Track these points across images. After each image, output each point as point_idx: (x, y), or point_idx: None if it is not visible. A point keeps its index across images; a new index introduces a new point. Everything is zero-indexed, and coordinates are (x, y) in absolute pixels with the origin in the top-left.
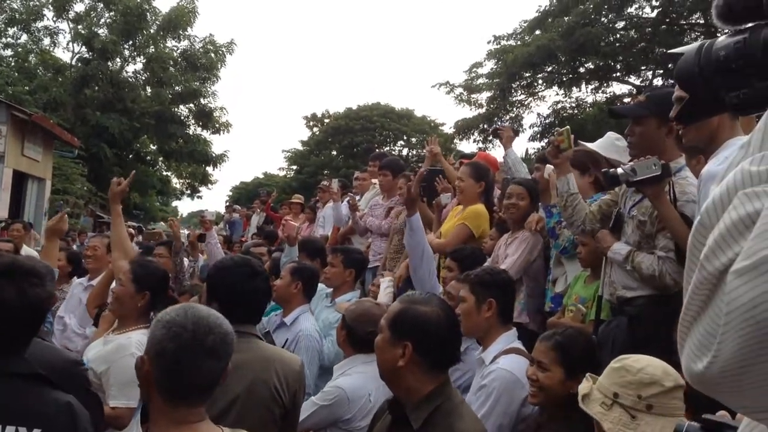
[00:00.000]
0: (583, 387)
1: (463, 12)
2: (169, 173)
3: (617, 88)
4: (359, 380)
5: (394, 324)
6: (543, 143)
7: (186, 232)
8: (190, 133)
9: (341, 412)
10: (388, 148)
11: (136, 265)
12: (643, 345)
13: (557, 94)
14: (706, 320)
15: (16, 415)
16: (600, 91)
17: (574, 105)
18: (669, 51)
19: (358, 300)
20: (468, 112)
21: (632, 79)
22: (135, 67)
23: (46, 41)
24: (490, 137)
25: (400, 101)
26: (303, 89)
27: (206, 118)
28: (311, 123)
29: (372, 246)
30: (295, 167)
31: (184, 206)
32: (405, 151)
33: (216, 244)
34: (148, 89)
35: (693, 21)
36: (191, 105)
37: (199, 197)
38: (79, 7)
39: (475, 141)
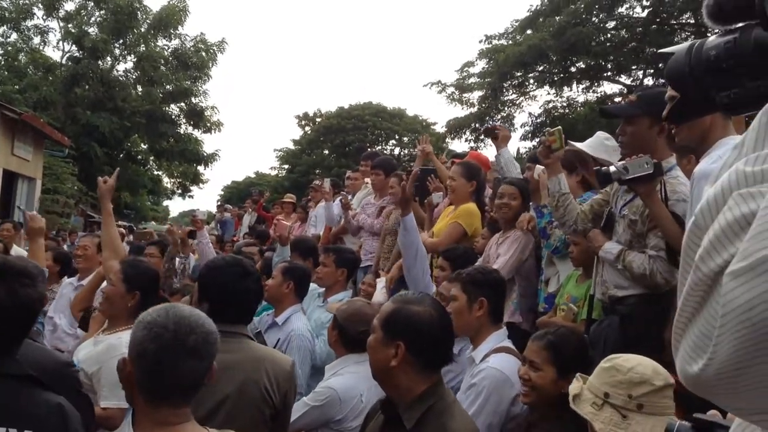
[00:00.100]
0: (574, 387)
1: (454, 11)
2: (160, 172)
3: (608, 88)
4: (351, 380)
5: (387, 324)
6: (534, 143)
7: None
8: (182, 132)
9: (333, 412)
10: (379, 147)
11: (127, 265)
12: (635, 344)
13: (548, 93)
14: (701, 322)
15: (8, 416)
16: (591, 91)
17: (565, 104)
18: (659, 51)
19: (349, 300)
20: (460, 112)
21: (623, 78)
22: (125, 65)
23: (36, 40)
24: (482, 136)
25: (391, 100)
26: (295, 88)
27: (197, 117)
28: (303, 122)
29: (364, 245)
30: (286, 166)
31: (176, 206)
32: (397, 151)
33: (207, 243)
34: (139, 88)
35: (683, 21)
36: (182, 104)
37: (191, 197)
38: (69, 6)
39: (466, 140)
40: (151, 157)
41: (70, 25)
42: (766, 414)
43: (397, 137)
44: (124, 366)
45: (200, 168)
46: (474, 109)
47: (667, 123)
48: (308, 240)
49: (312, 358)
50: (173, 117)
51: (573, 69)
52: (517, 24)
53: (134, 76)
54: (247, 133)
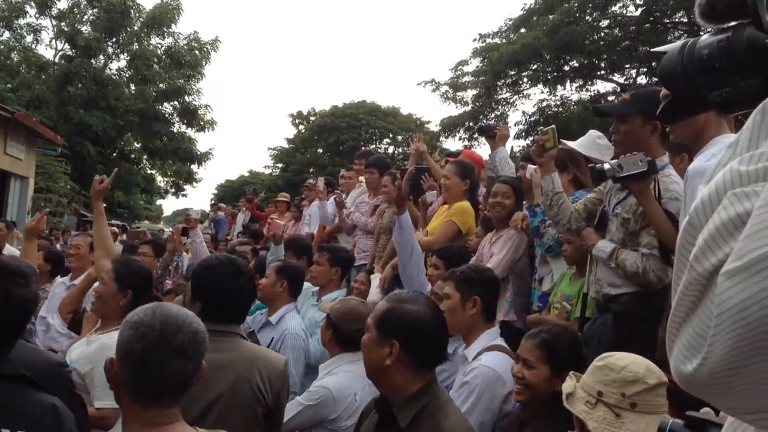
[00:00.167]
0: (567, 386)
1: (448, 10)
2: (153, 171)
3: (601, 87)
4: (345, 379)
5: (382, 323)
6: (528, 141)
7: (169, 230)
8: (175, 131)
9: (327, 411)
10: (374, 146)
11: (119, 264)
12: (628, 342)
13: (542, 92)
14: (695, 321)
15: (1, 416)
16: (584, 90)
17: (558, 103)
18: (652, 49)
19: (343, 298)
20: (454, 110)
21: (616, 77)
22: (119, 64)
23: (29, 38)
24: (476, 135)
25: (386, 99)
26: (289, 87)
27: (191, 115)
28: (297, 121)
29: (357, 244)
30: (280, 165)
31: (169, 205)
32: (391, 149)
33: (201, 242)
34: (132, 87)
35: (677, 20)
36: (175, 102)
37: (184, 196)
38: (62, 4)
39: (460, 139)
40: (145, 156)
41: (62, 24)
42: (760, 413)
43: (391, 136)
44: (111, 366)
45: (194, 167)
46: (468, 108)
47: (660, 122)
48: (302, 239)
49: (306, 357)
50: (166, 116)
51: (566, 68)
52: (510, 23)
53: (127, 75)
54: (240, 131)
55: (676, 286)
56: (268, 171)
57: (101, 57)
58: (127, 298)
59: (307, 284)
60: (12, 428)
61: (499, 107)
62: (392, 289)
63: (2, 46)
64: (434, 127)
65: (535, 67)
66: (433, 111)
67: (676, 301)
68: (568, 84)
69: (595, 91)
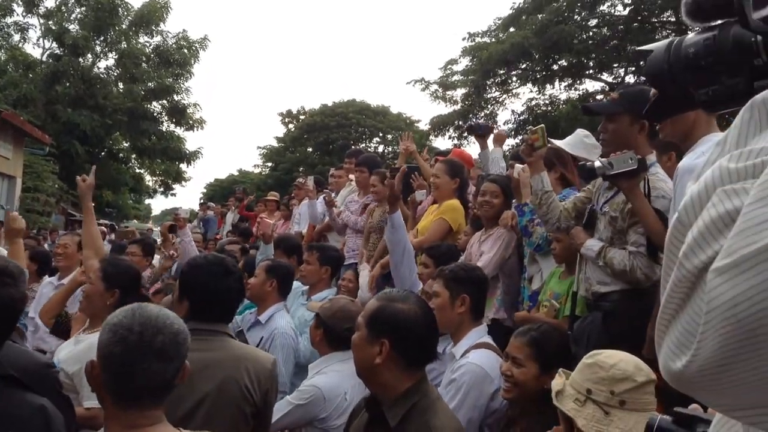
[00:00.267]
0: (557, 383)
1: (438, 9)
2: (142, 170)
3: (590, 86)
4: (335, 379)
5: (372, 321)
6: (517, 140)
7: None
8: (164, 129)
9: (317, 411)
10: (363, 144)
11: (107, 263)
12: (618, 340)
13: (531, 91)
14: (685, 318)
15: None
16: (573, 89)
17: (547, 102)
18: (639, 48)
19: (332, 297)
20: (443, 109)
21: (605, 76)
22: (107, 63)
23: (16, 37)
24: (465, 134)
25: (375, 98)
26: (278, 85)
27: (180, 114)
28: (286, 119)
29: (347, 243)
30: (270, 164)
31: (158, 204)
32: (381, 148)
33: (190, 242)
34: (120, 85)
35: (664, 19)
36: (164, 101)
37: (173, 195)
38: (49, 3)
39: (450, 138)
40: (133, 155)
41: (50, 22)
42: (748, 410)
43: (381, 135)
44: (92, 369)
45: (183, 166)
46: (457, 107)
47: (647, 120)
48: (292, 238)
49: (295, 356)
50: (155, 114)
51: (555, 67)
52: (500, 22)
53: (115, 74)
54: (230, 130)
55: (665, 284)
56: (257, 170)
57: (89, 56)
58: (115, 298)
59: (296, 283)
60: (1, 429)
61: (489, 106)
62: (382, 288)
63: None
64: (424, 125)
65: (524, 66)
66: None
67: (665, 298)
68: (556, 83)
69: (584, 90)
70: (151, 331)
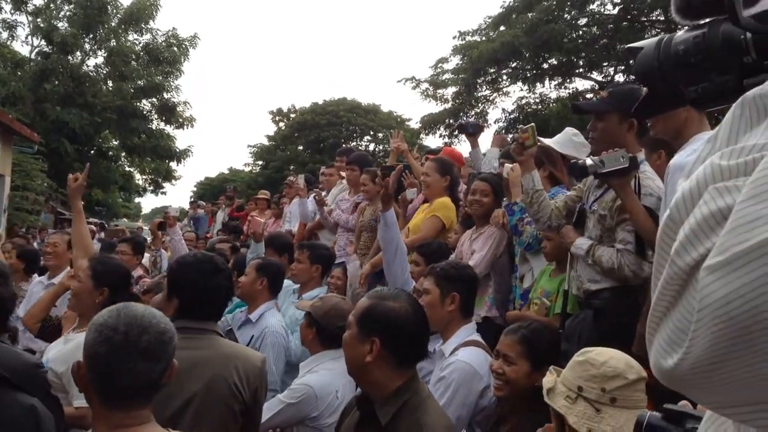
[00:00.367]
0: (548, 380)
1: (428, 7)
2: (131, 169)
3: (580, 84)
4: (327, 377)
5: (363, 320)
6: (508, 138)
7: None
8: (153, 128)
9: (309, 409)
10: (354, 143)
11: (96, 262)
12: (608, 337)
13: (521, 89)
14: (676, 316)
15: None
16: (563, 87)
17: (537, 101)
18: (628, 45)
19: (324, 296)
20: (434, 108)
21: (594, 75)
22: (96, 61)
23: (4, 35)
24: (456, 132)
25: (366, 96)
26: (268, 84)
27: (169, 112)
28: (277, 118)
29: (338, 241)
30: (260, 162)
31: (148, 202)
32: (372, 147)
33: (180, 240)
34: (110, 83)
35: (654, 18)
36: (154, 99)
37: (163, 193)
38: (37, 0)
39: (441, 136)
40: (123, 154)
41: (39, 20)
42: (739, 407)
43: (371, 133)
44: (78, 369)
45: (172, 164)
46: (448, 105)
47: (636, 118)
48: (283, 236)
49: (286, 355)
50: (145, 113)
51: (545, 65)
52: (490, 20)
53: (105, 72)
54: (220, 128)
55: (656, 281)
56: (248, 168)
57: (78, 53)
58: (104, 296)
59: (288, 282)
60: None
61: (479, 105)
62: (373, 286)
63: None
64: (415, 124)
65: (514, 64)
66: (414, 108)
67: (657, 295)
68: (547, 82)
69: (574, 89)
70: (136, 330)
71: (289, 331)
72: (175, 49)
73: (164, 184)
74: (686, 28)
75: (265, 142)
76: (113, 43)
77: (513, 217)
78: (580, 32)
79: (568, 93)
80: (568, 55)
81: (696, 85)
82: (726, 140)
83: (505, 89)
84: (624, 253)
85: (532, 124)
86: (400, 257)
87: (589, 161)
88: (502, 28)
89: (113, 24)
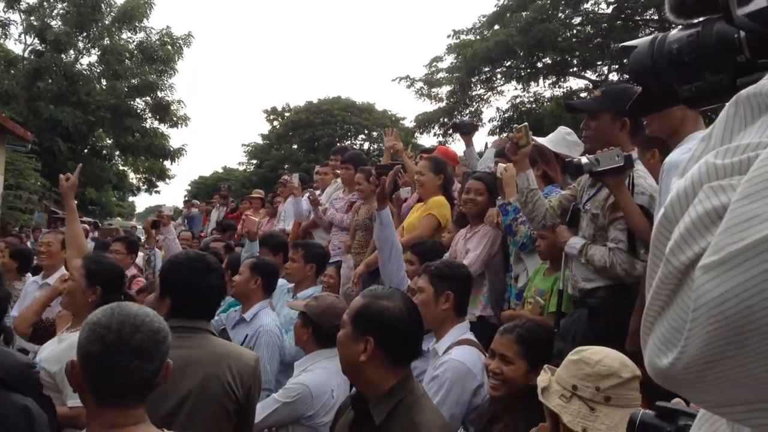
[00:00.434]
0: (542, 379)
1: (423, 6)
2: (125, 168)
3: (574, 83)
4: (322, 376)
5: (357, 319)
6: (502, 137)
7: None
8: (147, 126)
9: (304, 408)
10: (349, 142)
11: (90, 261)
12: (603, 336)
13: (516, 88)
14: (671, 315)
15: None
16: (557, 86)
17: (532, 100)
18: (622, 44)
19: (318, 295)
20: (428, 106)
21: (588, 74)
22: (89, 59)
23: None
24: (450, 131)
25: (360, 95)
26: (263, 82)
27: (163, 111)
28: (271, 116)
29: (332, 240)
30: (255, 161)
31: (142, 201)
32: (366, 145)
33: (174, 239)
34: (104, 82)
35: (648, 17)
36: (148, 98)
37: (157, 192)
38: None
39: (435, 135)
40: (117, 152)
41: (32, 18)
42: (733, 407)
43: (366, 132)
44: (72, 368)
45: (166, 163)
46: (442, 104)
47: (629, 117)
48: (277, 235)
49: (281, 354)
50: (138, 111)
51: (539, 64)
52: (484, 19)
53: (98, 70)
54: (214, 127)
55: (651, 280)
56: (242, 167)
57: (71, 52)
58: (97, 295)
59: (282, 281)
60: None
61: (474, 104)
62: (368, 285)
63: None
64: (409, 123)
65: (508, 63)
66: (408, 107)
67: (651, 294)
68: (541, 81)
69: (568, 88)
70: (129, 329)
71: (284, 330)
72: (169, 47)
73: (158, 183)
74: (680, 26)
75: (260, 140)
76: (107, 41)
77: (507, 217)
78: (575, 31)
79: (563, 92)
80: (562, 54)
81: (690, 83)
82: (720, 139)
83: (499, 88)
84: (616, 251)
85: (525, 123)
86: (396, 256)
87: (584, 159)
88: (496, 27)
89: (107, 22)
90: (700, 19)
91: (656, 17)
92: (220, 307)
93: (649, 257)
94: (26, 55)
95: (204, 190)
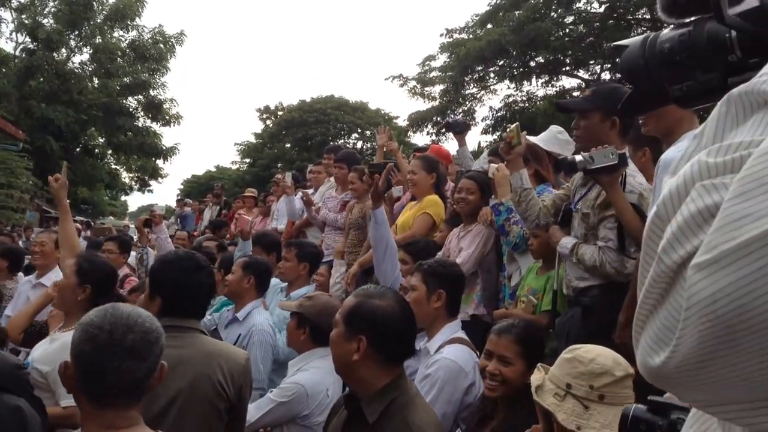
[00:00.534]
0: (536, 378)
1: (416, 5)
2: (118, 167)
3: (566, 82)
4: (317, 375)
5: (349, 318)
6: (495, 136)
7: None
8: (140, 125)
9: (300, 408)
10: (342, 141)
11: (83, 259)
12: (597, 335)
13: (509, 87)
14: (663, 314)
15: None
16: (550, 85)
17: (525, 98)
18: (614, 43)
19: (311, 294)
20: (421, 105)
21: (581, 73)
22: (81, 57)
23: None
24: (443, 130)
25: (354, 94)
26: (256, 81)
27: (156, 109)
28: (264, 115)
29: (325, 239)
30: (248, 160)
31: (134, 200)
32: (359, 144)
33: (166, 239)
34: (96, 80)
35: (640, 16)
36: (140, 96)
37: (150, 191)
38: None
39: (428, 134)
40: (109, 151)
41: (23, 16)
42: (724, 406)
43: (359, 131)
44: (65, 369)
45: (159, 162)
46: (435, 103)
47: (620, 116)
48: (270, 234)
49: (274, 353)
50: (131, 110)
51: (532, 63)
52: (477, 18)
53: (90, 68)
54: (207, 126)
55: (643, 279)
56: (235, 166)
57: (63, 50)
58: (86, 294)
59: (275, 280)
60: None
61: (467, 102)
62: (362, 284)
63: None
64: (402, 122)
65: (501, 62)
66: (401, 106)
67: (643, 293)
68: (533, 80)
69: (561, 87)
70: (121, 329)
71: (277, 329)
72: (162, 46)
73: (151, 182)
74: (672, 26)
75: (253, 139)
76: (99, 39)
77: (500, 217)
78: (567, 30)
79: (555, 91)
80: (554, 53)
81: (681, 83)
82: (712, 137)
83: (492, 87)
84: (605, 250)
85: (517, 123)
86: (390, 255)
87: (578, 157)
88: (489, 26)
89: (99, 21)
90: (692, 18)
91: (648, 16)
92: (213, 307)
93: (641, 255)
94: (17, 53)
95: (197, 189)
